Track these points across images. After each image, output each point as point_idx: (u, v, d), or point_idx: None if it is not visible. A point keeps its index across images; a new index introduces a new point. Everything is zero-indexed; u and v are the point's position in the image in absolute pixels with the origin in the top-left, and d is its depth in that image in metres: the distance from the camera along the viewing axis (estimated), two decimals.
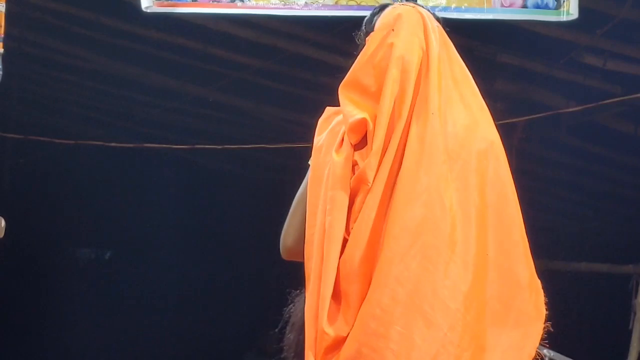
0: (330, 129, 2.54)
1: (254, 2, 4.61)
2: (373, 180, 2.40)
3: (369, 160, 2.41)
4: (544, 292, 2.49)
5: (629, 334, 6.66)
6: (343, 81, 2.53)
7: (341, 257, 2.40)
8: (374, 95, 2.48)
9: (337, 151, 2.46)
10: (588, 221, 8.82)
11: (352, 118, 2.45)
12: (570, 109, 5.90)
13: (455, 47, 2.68)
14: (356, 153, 2.45)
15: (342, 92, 2.51)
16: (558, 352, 4.77)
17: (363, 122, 2.44)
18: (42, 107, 9.00)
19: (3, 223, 3.62)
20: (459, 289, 2.37)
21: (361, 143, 2.46)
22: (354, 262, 2.39)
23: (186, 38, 6.32)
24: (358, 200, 2.42)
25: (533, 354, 2.43)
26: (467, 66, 2.66)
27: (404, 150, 2.42)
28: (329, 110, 2.60)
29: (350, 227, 2.42)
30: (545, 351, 4.73)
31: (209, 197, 9.99)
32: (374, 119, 2.45)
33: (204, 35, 6.20)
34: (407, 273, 2.35)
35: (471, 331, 2.36)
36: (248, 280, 9.65)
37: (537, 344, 2.45)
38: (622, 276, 7.25)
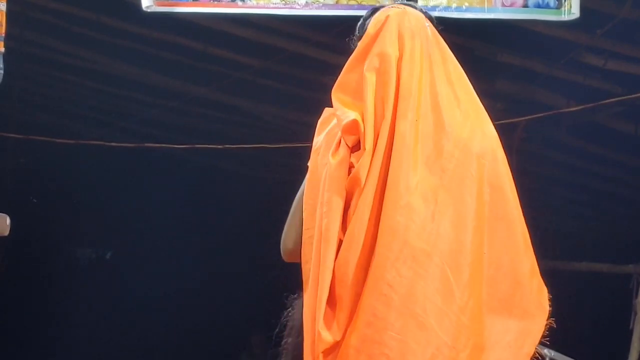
0: (327, 131, 2.55)
1: (254, 2, 4.61)
2: (365, 181, 2.41)
3: (361, 161, 2.43)
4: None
5: (629, 334, 6.66)
6: (335, 84, 2.55)
7: (336, 261, 2.41)
8: (362, 99, 2.50)
9: (333, 154, 2.48)
10: (588, 221, 8.82)
11: (345, 120, 2.47)
12: (570, 109, 5.90)
13: (454, 46, 2.68)
14: (353, 155, 2.46)
15: (335, 95, 2.54)
16: (558, 351, 4.77)
17: (354, 123, 2.46)
18: (42, 107, 9.01)
19: (8, 221, 3.61)
20: (451, 290, 2.37)
21: (357, 145, 2.47)
22: (348, 266, 2.39)
23: (186, 38, 6.32)
24: (353, 202, 2.43)
25: (532, 351, 2.43)
26: (467, 66, 2.66)
27: (391, 151, 2.44)
28: (327, 111, 2.61)
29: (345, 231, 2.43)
30: (545, 351, 4.72)
31: (209, 196, 9.99)
32: (363, 121, 2.47)
33: (204, 35, 6.20)
34: (399, 278, 2.36)
35: (467, 331, 2.37)
36: (248, 280, 9.64)
37: (537, 341, 2.44)
38: (622, 276, 7.25)
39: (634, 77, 5.56)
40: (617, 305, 7.23)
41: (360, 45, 2.57)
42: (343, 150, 2.47)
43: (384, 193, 2.41)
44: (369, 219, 2.40)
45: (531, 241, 2.51)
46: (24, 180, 9.32)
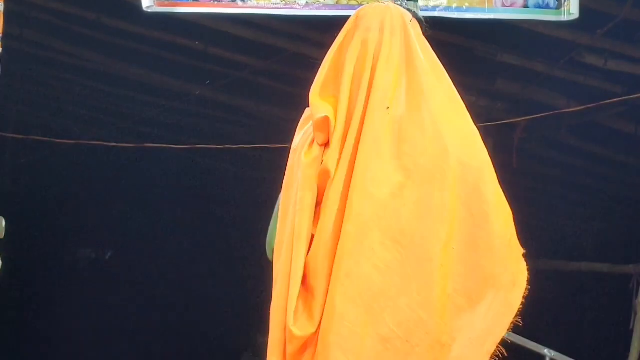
0: (304, 131, 2.56)
1: (254, 2, 4.61)
2: (334, 174, 2.42)
3: (328, 153, 2.44)
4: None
5: (629, 334, 6.66)
6: (314, 82, 2.55)
7: (308, 254, 2.41)
8: (336, 93, 2.51)
9: (306, 152, 2.48)
10: (588, 221, 8.81)
11: (315, 117, 2.47)
12: (571, 109, 5.90)
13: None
14: (325, 152, 2.47)
15: (312, 94, 2.54)
16: (559, 351, 4.78)
17: (325, 120, 2.46)
18: (42, 107, 9.00)
19: (3, 223, 3.61)
20: (410, 285, 2.36)
21: (329, 142, 2.48)
22: (318, 257, 2.40)
23: (186, 38, 6.32)
24: (325, 196, 2.44)
25: (493, 349, 2.42)
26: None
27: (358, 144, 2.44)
28: (307, 112, 2.62)
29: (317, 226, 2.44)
30: (546, 351, 4.73)
31: (209, 197, 9.99)
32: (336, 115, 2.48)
33: (204, 35, 6.20)
34: (357, 269, 2.36)
35: (424, 326, 2.36)
36: (247, 280, 9.64)
37: (499, 339, 2.43)
38: (622, 276, 7.26)
39: (634, 77, 5.56)
40: (617, 305, 7.24)
41: (338, 39, 2.58)
42: (316, 148, 2.48)
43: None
44: (338, 211, 2.41)
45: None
46: (24, 181, 9.32)
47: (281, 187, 2.58)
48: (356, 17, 2.59)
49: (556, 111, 5.93)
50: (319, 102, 2.50)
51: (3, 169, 8.71)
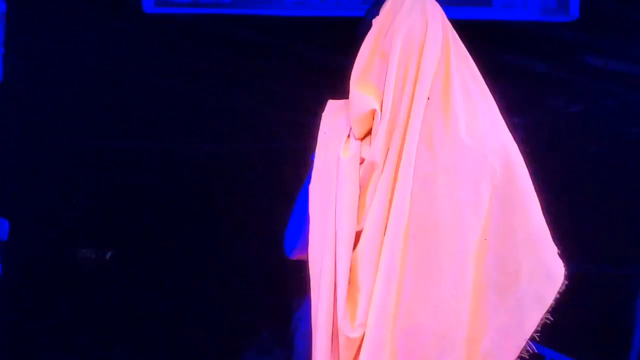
0: (335, 124, 2.50)
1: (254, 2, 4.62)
2: (383, 166, 2.38)
3: (375, 145, 2.40)
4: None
5: (629, 334, 6.66)
6: (353, 71, 2.48)
7: (356, 249, 2.36)
8: (380, 81, 2.45)
9: (344, 149, 2.43)
10: (588, 221, 8.81)
11: (358, 109, 2.42)
12: (571, 109, 5.90)
13: None
14: (363, 148, 2.43)
15: (352, 84, 2.47)
16: (559, 351, 4.78)
17: (372, 113, 2.41)
18: (42, 107, 9.00)
19: (7, 225, 3.61)
20: (444, 277, 2.35)
21: (368, 135, 2.43)
22: (366, 254, 2.37)
23: (186, 38, 6.32)
24: (369, 190, 2.40)
25: (523, 344, 2.40)
26: None
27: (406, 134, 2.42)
28: (332, 103, 2.54)
29: (362, 221, 2.38)
30: (546, 351, 4.73)
31: (209, 196, 9.97)
32: (381, 106, 2.42)
33: (204, 36, 6.20)
34: (390, 262, 2.34)
35: (459, 320, 2.34)
36: (251, 279, 9.62)
37: (529, 334, 2.42)
38: (622, 276, 7.25)
39: (634, 77, 5.56)
40: (617, 305, 7.23)
41: (381, 25, 2.51)
42: (354, 143, 2.43)
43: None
44: (387, 205, 2.38)
45: None
46: (24, 181, 9.30)
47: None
48: (396, 3, 2.52)
49: (556, 111, 5.93)
50: (361, 93, 2.44)
51: (3, 169, 8.71)
